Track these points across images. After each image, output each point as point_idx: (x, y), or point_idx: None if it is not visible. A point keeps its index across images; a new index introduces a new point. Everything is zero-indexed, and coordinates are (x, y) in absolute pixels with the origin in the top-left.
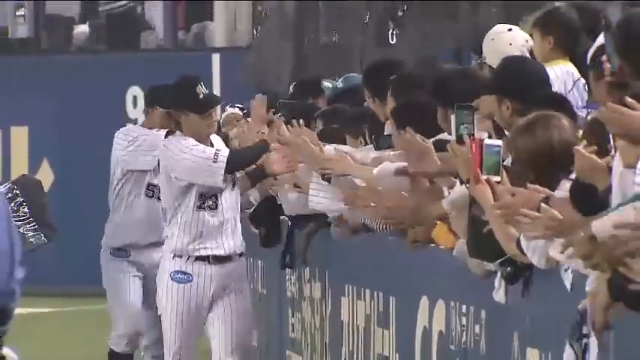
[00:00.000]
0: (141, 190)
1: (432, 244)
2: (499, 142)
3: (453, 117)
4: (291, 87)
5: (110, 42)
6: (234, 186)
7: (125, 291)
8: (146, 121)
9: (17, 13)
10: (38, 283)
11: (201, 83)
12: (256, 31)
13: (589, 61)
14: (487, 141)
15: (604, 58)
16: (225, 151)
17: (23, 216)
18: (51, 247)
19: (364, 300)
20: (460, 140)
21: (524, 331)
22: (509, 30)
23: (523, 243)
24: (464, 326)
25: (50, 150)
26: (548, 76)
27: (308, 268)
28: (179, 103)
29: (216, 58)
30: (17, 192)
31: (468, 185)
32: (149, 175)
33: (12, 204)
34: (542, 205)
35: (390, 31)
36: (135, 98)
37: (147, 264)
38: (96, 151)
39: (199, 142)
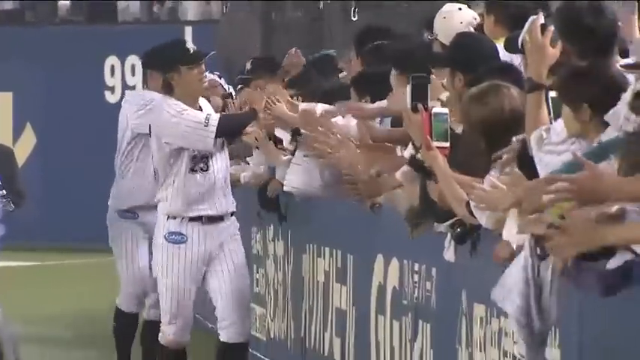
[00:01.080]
0: (149, 152)
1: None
2: (446, 111)
3: (408, 87)
4: (248, 64)
5: (90, 15)
6: (223, 146)
7: (133, 254)
8: (150, 84)
9: None
10: (22, 239)
11: (190, 42)
12: (226, 7)
13: (520, 46)
14: (435, 110)
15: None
16: (215, 116)
17: None
18: (34, 204)
19: (324, 258)
20: (415, 109)
21: (472, 288)
22: (459, 9)
23: (472, 205)
24: (416, 283)
25: (33, 115)
26: (498, 51)
27: (272, 228)
28: (171, 61)
29: (188, 31)
30: None
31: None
32: None
33: None
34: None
35: (352, 8)
36: (112, 67)
37: (154, 224)
38: (75, 116)
39: (192, 102)
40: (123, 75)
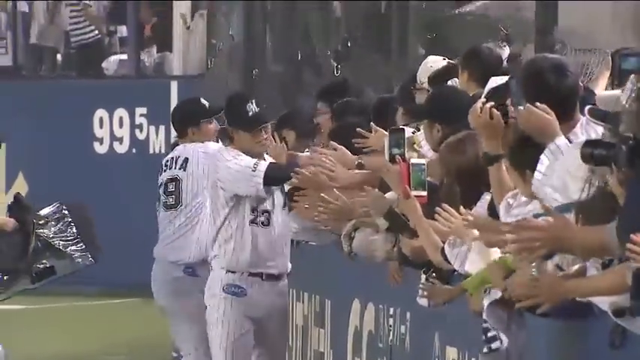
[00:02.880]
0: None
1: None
2: (424, 161)
3: (386, 139)
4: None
5: (79, 69)
6: (284, 206)
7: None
8: (197, 135)
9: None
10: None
11: (253, 101)
12: (210, 62)
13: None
14: (413, 160)
15: (508, 101)
16: (264, 163)
17: (71, 236)
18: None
19: (303, 302)
20: (392, 160)
21: (444, 332)
22: (444, 59)
23: (447, 250)
24: (391, 326)
25: (25, 164)
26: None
27: None
28: (230, 120)
29: (174, 85)
30: (65, 212)
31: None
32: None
33: (60, 224)
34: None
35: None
36: (101, 119)
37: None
38: (66, 165)
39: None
40: (111, 127)
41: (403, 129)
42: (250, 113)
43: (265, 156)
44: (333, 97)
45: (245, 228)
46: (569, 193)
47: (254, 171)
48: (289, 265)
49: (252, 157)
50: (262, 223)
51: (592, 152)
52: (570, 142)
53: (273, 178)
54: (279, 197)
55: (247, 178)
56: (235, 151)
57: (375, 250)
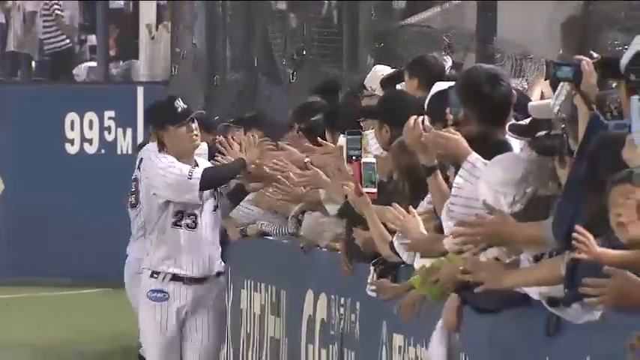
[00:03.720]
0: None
1: (317, 247)
2: (374, 160)
3: (344, 141)
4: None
5: (52, 75)
6: (215, 209)
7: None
8: (151, 140)
9: None
10: None
11: (180, 99)
12: (174, 69)
13: (426, 108)
14: (364, 160)
15: (448, 110)
16: (199, 169)
17: None
18: (2, 241)
19: (260, 292)
20: (349, 161)
21: (391, 320)
22: (391, 68)
23: (396, 244)
24: (342, 315)
25: (1, 164)
26: (421, 105)
27: None
28: (160, 120)
29: (140, 90)
30: None
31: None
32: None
33: None
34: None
35: (291, 72)
36: (72, 122)
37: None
38: (39, 164)
39: (186, 159)
40: (82, 129)
41: (360, 132)
42: (179, 109)
43: (195, 155)
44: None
45: (167, 230)
46: (501, 207)
47: (190, 179)
48: (217, 266)
49: (185, 154)
50: (187, 225)
51: (542, 143)
52: (507, 145)
53: (210, 182)
54: (209, 201)
55: (183, 187)
56: (169, 157)
57: (324, 232)
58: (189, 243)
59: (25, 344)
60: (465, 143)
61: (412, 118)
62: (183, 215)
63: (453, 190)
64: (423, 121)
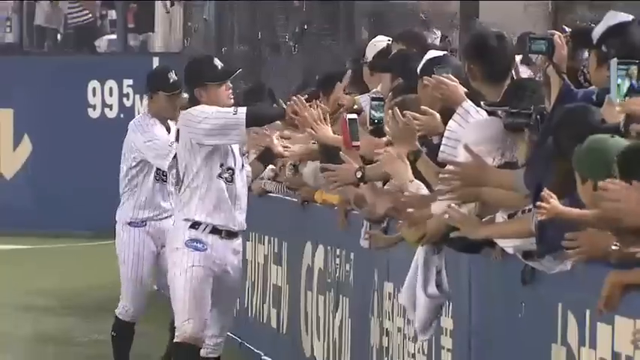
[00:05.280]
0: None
1: (317, 204)
2: (356, 116)
3: (367, 106)
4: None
5: (76, 46)
6: (243, 167)
7: (139, 268)
8: (151, 106)
9: (6, 24)
10: (19, 226)
11: (217, 59)
12: (187, 41)
13: (420, 73)
14: (349, 116)
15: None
16: (242, 107)
17: None
18: (30, 197)
19: (263, 244)
20: (372, 123)
21: (382, 269)
22: (389, 39)
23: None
24: (338, 265)
25: (29, 127)
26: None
27: None
28: (199, 77)
29: (156, 60)
30: None
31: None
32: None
33: None
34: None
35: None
36: (94, 89)
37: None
38: (64, 128)
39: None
40: (102, 96)
41: (382, 97)
42: (219, 67)
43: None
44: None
45: (213, 181)
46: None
47: (235, 114)
48: (245, 224)
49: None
50: (226, 179)
51: (513, 121)
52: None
53: (253, 118)
54: (238, 158)
55: (230, 124)
56: (202, 105)
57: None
58: (229, 196)
59: (48, 290)
60: (461, 90)
61: (394, 111)
62: (224, 169)
63: (445, 132)
64: (402, 113)
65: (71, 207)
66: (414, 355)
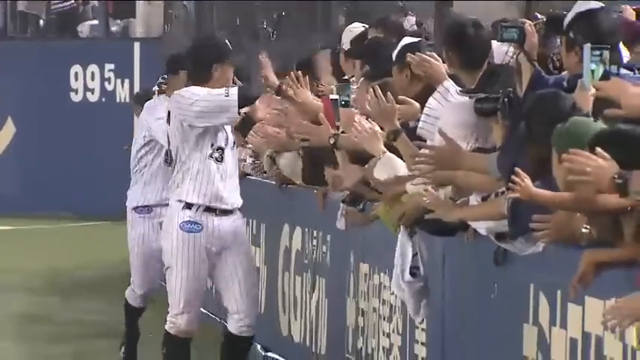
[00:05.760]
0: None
1: (293, 185)
2: (337, 96)
3: (335, 90)
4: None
5: (59, 32)
6: (234, 144)
7: (150, 254)
8: (171, 88)
9: None
10: (3, 208)
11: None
12: (167, 27)
13: (395, 59)
14: (331, 96)
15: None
16: (233, 88)
17: None
18: (14, 179)
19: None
20: (341, 106)
21: (358, 250)
22: (364, 26)
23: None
24: (314, 246)
25: (13, 110)
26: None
27: None
28: (219, 55)
29: (137, 45)
30: None
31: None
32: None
33: None
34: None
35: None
36: (76, 74)
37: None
38: (47, 111)
39: None
40: (85, 80)
41: (348, 80)
42: (229, 47)
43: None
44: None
45: (205, 162)
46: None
47: (227, 96)
48: (240, 200)
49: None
50: (216, 158)
51: (482, 106)
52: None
53: (245, 98)
54: (230, 136)
55: (222, 105)
56: (195, 87)
57: (299, 168)
58: (220, 176)
59: (32, 270)
60: (443, 69)
61: (375, 91)
62: (213, 149)
63: (425, 109)
64: (384, 93)
65: (54, 189)
66: (388, 335)
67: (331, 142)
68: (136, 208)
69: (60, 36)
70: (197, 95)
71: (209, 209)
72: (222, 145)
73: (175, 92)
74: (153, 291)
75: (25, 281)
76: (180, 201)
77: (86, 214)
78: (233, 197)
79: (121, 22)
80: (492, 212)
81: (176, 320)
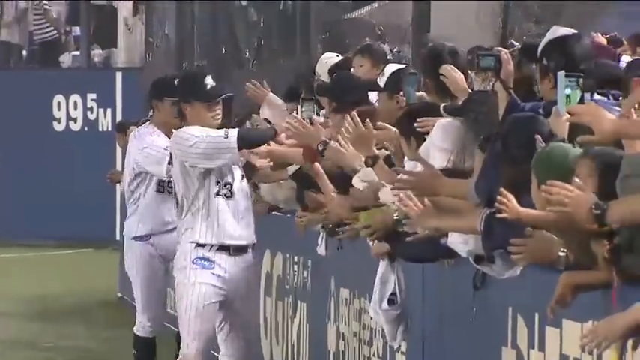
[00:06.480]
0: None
1: (274, 213)
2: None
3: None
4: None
5: (42, 62)
6: (243, 177)
7: (151, 271)
8: (156, 116)
9: None
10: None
11: (210, 76)
12: (149, 56)
13: (384, 86)
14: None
15: (401, 93)
16: (233, 130)
17: None
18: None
19: None
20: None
21: (339, 276)
22: (337, 56)
23: (355, 181)
24: (295, 271)
25: None
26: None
27: None
28: (185, 93)
29: (119, 75)
30: None
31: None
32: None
33: None
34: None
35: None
36: (59, 103)
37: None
38: (30, 140)
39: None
40: (67, 109)
41: (312, 97)
42: (208, 86)
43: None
44: None
45: (211, 201)
46: (432, 162)
47: (226, 138)
48: (254, 237)
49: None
50: (225, 195)
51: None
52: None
53: (244, 140)
54: (237, 169)
55: (221, 148)
56: (196, 127)
57: (281, 192)
58: (232, 212)
59: (15, 296)
60: (464, 85)
61: (348, 118)
62: (220, 185)
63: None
64: (363, 120)
65: (37, 217)
66: (369, 358)
67: (320, 149)
68: (134, 238)
69: (42, 66)
70: (196, 137)
71: (223, 247)
72: (230, 181)
73: (174, 133)
74: (158, 317)
75: (7, 307)
76: (192, 242)
77: (68, 241)
78: (247, 233)
79: (103, 52)
80: (466, 226)
81: (187, 349)
